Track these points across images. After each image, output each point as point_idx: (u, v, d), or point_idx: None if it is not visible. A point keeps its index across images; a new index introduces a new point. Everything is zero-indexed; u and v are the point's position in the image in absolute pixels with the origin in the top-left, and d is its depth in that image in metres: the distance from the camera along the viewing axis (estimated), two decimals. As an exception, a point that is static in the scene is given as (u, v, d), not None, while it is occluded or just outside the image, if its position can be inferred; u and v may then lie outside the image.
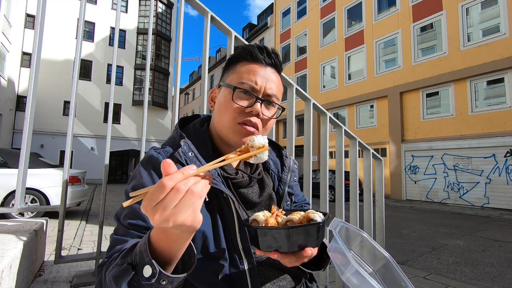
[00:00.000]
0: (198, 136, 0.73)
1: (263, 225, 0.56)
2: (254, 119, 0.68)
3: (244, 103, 0.68)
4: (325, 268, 0.74)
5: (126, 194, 0.63)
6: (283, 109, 0.76)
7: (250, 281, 0.62)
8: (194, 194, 0.40)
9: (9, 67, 15.35)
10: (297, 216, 0.56)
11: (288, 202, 0.81)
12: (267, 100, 0.70)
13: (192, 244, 0.50)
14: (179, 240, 0.46)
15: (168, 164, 0.40)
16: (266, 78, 0.70)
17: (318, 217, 0.55)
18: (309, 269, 0.73)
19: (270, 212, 0.60)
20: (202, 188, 0.41)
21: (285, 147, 1.00)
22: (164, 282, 0.46)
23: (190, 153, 0.66)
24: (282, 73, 1.59)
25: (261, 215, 0.57)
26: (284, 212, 0.62)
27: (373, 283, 0.51)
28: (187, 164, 0.64)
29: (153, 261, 0.45)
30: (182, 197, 0.39)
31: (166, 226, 0.40)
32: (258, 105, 0.68)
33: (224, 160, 0.47)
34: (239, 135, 0.68)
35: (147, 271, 0.45)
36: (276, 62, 0.73)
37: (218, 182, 0.65)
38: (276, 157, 0.86)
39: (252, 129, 0.68)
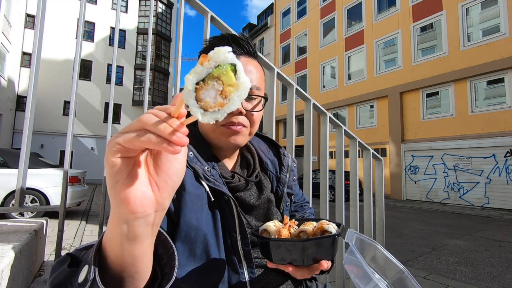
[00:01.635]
0: (195, 137, 0.71)
1: (275, 236, 0.53)
2: (237, 119, 0.64)
3: None
4: (329, 272, 0.73)
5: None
6: (266, 98, 0.71)
7: (250, 286, 0.61)
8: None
9: (9, 67, 15.35)
10: (310, 227, 0.54)
11: (288, 203, 0.79)
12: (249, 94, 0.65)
13: (175, 253, 0.40)
14: (130, 220, 0.32)
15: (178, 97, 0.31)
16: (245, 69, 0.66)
17: (333, 228, 0.53)
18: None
19: (282, 223, 0.58)
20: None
21: (285, 147, 0.99)
22: None
23: (190, 153, 0.65)
24: (281, 72, 1.60)
25: (272, 226, 0.55)
26: (296, 223, 0.59)
27: None
28: (188, 163, 0.63)
29: (92, 260, 0.34)
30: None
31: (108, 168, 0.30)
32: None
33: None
34: (225, 136, 0.65)
35: (82, 274, 0.35)
36: (248, 49, 0.68)
37: (220, 183, 0.64)
38: (274, 156, 0.83)
39: (238, 127, 0.65)
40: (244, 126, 0.66)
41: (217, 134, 0.66)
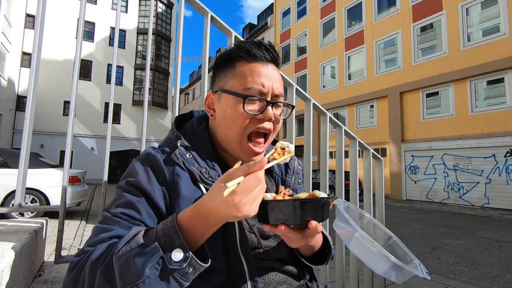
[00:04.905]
0: (196, 136, 0.70)
1: None
2: (267, 125, 0.65)
3: (255, 109, 0.63)
4: (327, 263, 0.74)
5: (120, 188, 0.61)
6: (293, 107, 0.72)
7: (251, 286, 0.60)
8: (264, 189, 0.48)
9: (9, 67, 15.35)
10: (303, 195, 0.59)
11: None
12: (276, 102, 0.66)
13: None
14: (215, 226, 0.50)
15: (264, 163, 0.48)
16: (271, 78, 0.65)
17: (323, 195, 0.58)
18: (312, 264, 0.73)
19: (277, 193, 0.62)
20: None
21: (285, 147, 0.99)
22: (190, 270, 0.46)
23: (187, 155, 0.64)
24: (282, 73, 1.59)
25: (269, 195, 0.58)
26: (290, 192, 0.63)
27: (376, 244, 0.57)
28: (185, 166, 0.62)
29: (185, 244, 0.46)
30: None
31: (243, 216, 0.46)
32: (269, 109, 0.63)
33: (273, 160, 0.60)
34: (246, 155, 0.66)
35: (177, 255, 0.45)
36: (274, 56, 0.68)
37: None
38: None
39: (260, 149, 0.66)
40: (270, 133, 0.67)
41: (240, 149, 0.66)
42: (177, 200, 0.60)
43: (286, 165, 0.81)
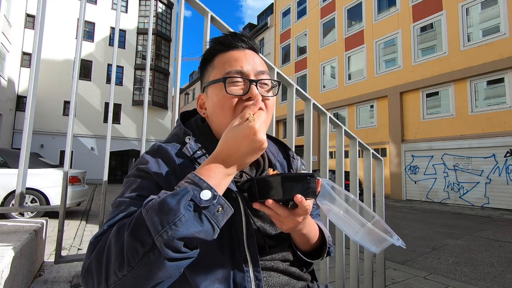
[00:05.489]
0: (201, 133, 0.70)
1: None
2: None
3: (239, 91, 0.63)
4: (323, 257, 0.74)
5: (131, 176, 0.61)
6: (280, 83, 0.71)
7: (254, 285, 0.60)
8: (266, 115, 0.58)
9: (9, 67, 15.35)
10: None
11: None
12: (260, 79, 0.64)
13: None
14: (233, 174, 0.54)
15: (258, 98, 0.58)
16: (250, 59, 0.65)
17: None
18: (309, 259, 0.73)
19: None
20: None
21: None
22: (220, 209, 0.48)
23: (197, 149, 0.65)
24: (281, 72, 1.60)
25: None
26: (278, 171, 0.66)
27: (354, 212, 0.61)
28: (196, 160, 0.63)
29: (211, 185, 0.48)
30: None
31: (262, 142, 0.52)
32: (254, 87, 0.62)
33: None
34: None
35: (206, 194, 0.47)
36: (251, 44, 0.68)
37: None
38: (283, 159, 0.82)
39: None
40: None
41: None
42: None
43: (289, 165, 0.81)
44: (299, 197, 0.54)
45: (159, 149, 0.63)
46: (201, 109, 0.72)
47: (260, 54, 0.76)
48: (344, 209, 0.62)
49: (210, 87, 0.66)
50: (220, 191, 0.51)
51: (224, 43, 0.66)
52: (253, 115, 0.53)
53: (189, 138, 0.65)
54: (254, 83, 0.63)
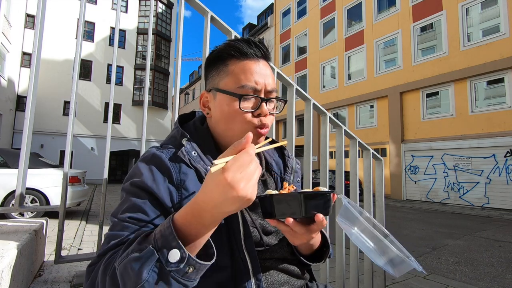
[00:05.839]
0: (200, 135, 0.70)
1: None
2: (264, 120, 0.67)
3: (249, 107, 0.66)
4: (325, 260, 0.74)
5: (125, 191, 0.61)
6: (285, 101, 0.75)
7: (254, 285, 0.60)
8: (259, 168, 0.45)
9: (9, 67, 15.35)
10: (307, 190, 0.60)
11: None
12: (270, 98, 0.68)
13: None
14: (213, 224, 0.47)
15: (250, 137, 0.45)
16: (264, 75, 0.67)
17: (327, 190, 0.59)
18: (310, 261, 0.73)
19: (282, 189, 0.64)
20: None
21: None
22: (190, 269, 0.45)
23: (193, 152, 0.65)
24: (282, 73, 1.60)
25: (273, 192, 0.59)
26: (295, 188, 0.64)
27: (378, 234, 0.58)
28: (191, 164, 0.63)
29: (181, 244, 0.44)
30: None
31: (241, 197, 0.42)
32: (264, 105, 0.66)
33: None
34: (255, 138, 0.67)
35: (174, 255, 0.44)
36: (265, 52, 0.69)
37: None
38: (279, 158, 0.83)
39: (265, 130, 0.68)
40: (268, 128, 0.69)
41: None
42: (186, 197, 0.60)
43: (285, 164, 0.82)
44: (320, 217, 0.54)
45: (153, 157, 0.63)
46: (204, 107, 0.73)
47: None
48: (370, 234, 0.61)
49: (221, 93, 0.67)
50: (199, 243, 0.48)
51: (241, 51, 0.66)
52: (229, 161, 0.44)
53: (186, 140, 0.66)
54: (265, 102, 0.66)
